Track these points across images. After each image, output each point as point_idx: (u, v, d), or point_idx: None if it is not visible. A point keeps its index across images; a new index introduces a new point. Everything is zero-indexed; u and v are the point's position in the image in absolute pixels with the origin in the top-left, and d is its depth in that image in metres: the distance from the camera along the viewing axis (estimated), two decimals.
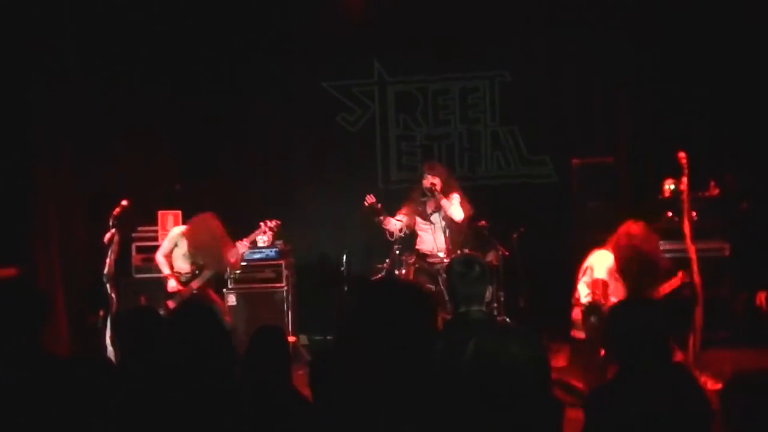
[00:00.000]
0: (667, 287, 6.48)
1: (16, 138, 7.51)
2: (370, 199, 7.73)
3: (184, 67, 9.34)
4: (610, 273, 6.35)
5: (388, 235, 7.86)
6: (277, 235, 7.96)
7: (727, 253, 7.76)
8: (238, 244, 7.31)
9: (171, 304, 7.05)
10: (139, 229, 8.39)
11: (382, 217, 7.76)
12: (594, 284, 6.26)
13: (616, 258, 6.37)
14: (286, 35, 9.40)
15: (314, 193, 9.66)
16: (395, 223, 7.80)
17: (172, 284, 7.16)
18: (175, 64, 9.27)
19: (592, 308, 6.16)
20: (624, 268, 6.30)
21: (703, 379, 5.93)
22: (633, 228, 6.43)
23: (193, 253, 7.24)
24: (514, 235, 8.32)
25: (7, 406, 3.07)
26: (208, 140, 9.54)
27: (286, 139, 9.85)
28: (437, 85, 9.74)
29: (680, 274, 6.55)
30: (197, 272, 7.23)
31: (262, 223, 7.52)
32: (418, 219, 7.86)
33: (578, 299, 6.42)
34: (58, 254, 7.72)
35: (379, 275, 7.59)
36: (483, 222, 7.99)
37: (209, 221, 7.27)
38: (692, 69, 8.56)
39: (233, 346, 3.47)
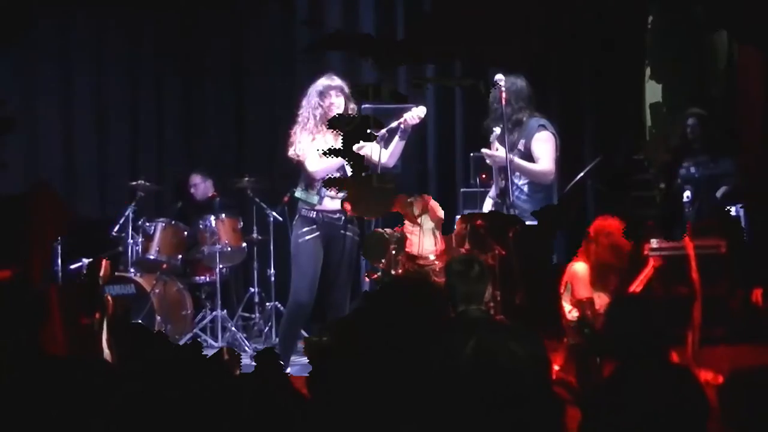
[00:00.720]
0: (643, 278, 6.42)
1: None
2: None
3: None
4: (591, 285, 6.20)
5: None
6: None
7: (723, 250, 7.75)
8: None
9: None
10: None
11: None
12: (581, 305, 6.17)
13: (594, 260, 6.23)
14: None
15: None
16: None
17: None
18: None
19: (582, 323, 6.09)
20: (605, 269, 6.18)
21: (701, 374, 5.91)
22: (609, 224, 6.27)
23: None
24: (510, 234, 8.29)
25: (6, 407, 3.07)
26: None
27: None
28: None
29: (650, 260, 6.43)
30: None
31: None
32: (406, 222, 7.84)
33: (565, 314, 6.38)
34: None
35: (375, 275, 7.59)
36: (479, 221, 7.98)
37: None
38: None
39: None
